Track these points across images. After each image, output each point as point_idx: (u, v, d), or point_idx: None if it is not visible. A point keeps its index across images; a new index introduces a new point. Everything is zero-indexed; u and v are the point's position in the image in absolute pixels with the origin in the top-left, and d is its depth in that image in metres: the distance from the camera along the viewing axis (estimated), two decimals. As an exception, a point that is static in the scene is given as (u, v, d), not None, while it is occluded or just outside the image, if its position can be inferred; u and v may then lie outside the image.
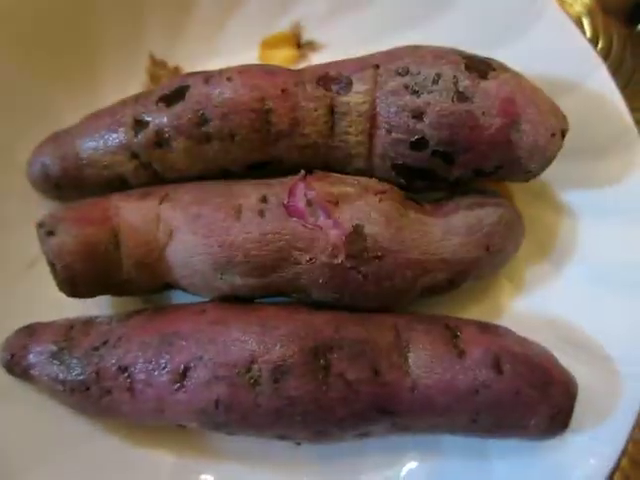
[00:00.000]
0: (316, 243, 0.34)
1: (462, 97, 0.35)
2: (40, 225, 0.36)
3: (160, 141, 0.38)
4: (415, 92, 0.35)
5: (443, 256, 0.36)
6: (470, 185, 0.40)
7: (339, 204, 0.35)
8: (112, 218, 0.36)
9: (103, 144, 0.39)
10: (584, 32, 0.51)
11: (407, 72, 0.36)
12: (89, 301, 0.42)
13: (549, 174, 0.43)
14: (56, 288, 0.43)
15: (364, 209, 0.35)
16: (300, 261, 0.35)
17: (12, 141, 0.44)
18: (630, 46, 0.52)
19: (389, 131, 0.36)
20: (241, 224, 0.35)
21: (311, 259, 0.34)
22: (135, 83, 0.48)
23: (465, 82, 0.35)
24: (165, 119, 0.37)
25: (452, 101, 0.35)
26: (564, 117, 0.37)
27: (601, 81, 0.42)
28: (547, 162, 0.37)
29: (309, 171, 0.37)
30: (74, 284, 0.36)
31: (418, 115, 0.35)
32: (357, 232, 0.34)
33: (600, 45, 0.50)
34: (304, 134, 0.37)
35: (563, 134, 0.37)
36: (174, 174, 0.39)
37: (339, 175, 0.37)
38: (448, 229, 0.37)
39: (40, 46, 0.44)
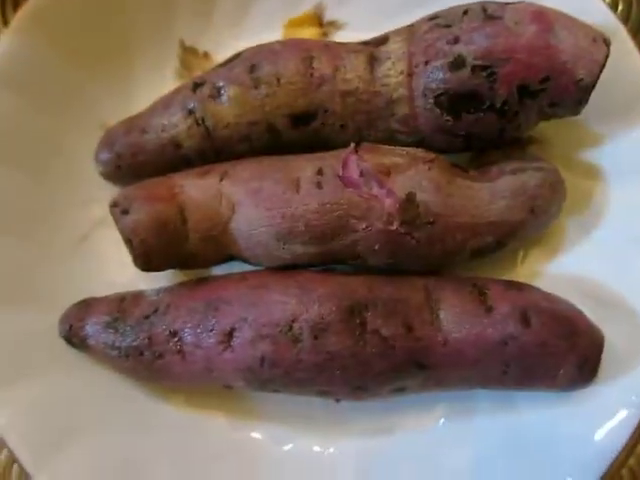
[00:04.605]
0: (372, 212, 0.36)
1: (492, 17, 0.37)
2: (114, 205, 0.39)
3: (213, 93, 0.41)
4: (447, 26, 0.38)
5: (490, 219, 0.38)
6: (513, 149, 0.41)
7: (391, 174, 0.37)
8: (178, 195, 0.39)
9: (163, 108, 0.43)
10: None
11: (437, 16, 0.39)
12: (136, 277, 0.45)
13: (575, 138, 0.45)
14: (104, 266, 0.47)
15: (415, 178, 0.37)
16: (357, 229, 0.37)
17: (56, 127, 0.47)
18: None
19: (427, 62, 0.38)
20: (300, 196, 0.37)
21: (367, 227, 0.37)
22: (168, 70, 0.50)
23: (493, 7, 0.38)
24: (220, 74, 0.42)
25: (483, 21, 0.37)
26: (601, 32, 0.38)
27: (621, 43, 0.42)
28: (596, 67, 0.37)
29: (358, 143, 0.39)
30: (148, 258, 0.39)
31: (452, 41, 0.37)
32: (410, 200, 0.36)
33: (620, 8, 0.51)
34: (346, 79, 0.40)
35: (606, 43, 0.37)
36: (223, 132, 0.42)
37: (388, 147, 0.39)
38: (494, 193, 0.38)
39: (77, 36, 0.47)
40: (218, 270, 0.43)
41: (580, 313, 0.38)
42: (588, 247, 0.44)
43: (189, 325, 0.38)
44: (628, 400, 0.39)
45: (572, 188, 0.42)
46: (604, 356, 0.37)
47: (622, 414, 0.38)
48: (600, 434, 0.38)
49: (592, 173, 0.45)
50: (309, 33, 0.51)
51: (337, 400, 0.40)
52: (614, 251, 0.43)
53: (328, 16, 0.51)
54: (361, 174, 0.37)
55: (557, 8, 0.38)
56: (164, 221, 0.38)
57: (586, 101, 0.38)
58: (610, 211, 0.44)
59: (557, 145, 0.46)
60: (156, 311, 0.39)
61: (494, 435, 0.41)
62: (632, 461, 0.45)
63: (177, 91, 0.44)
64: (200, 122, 0.42)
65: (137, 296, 0.41)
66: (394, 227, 0.36)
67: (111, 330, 0.40)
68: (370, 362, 0.36)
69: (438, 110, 0.38)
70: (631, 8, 0.50)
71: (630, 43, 0.43)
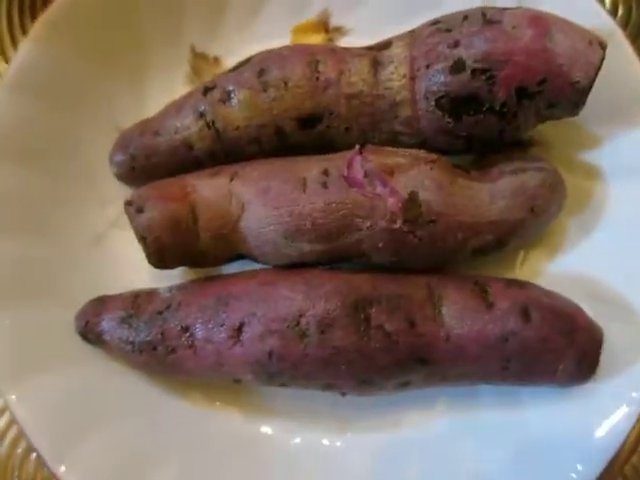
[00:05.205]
0: (375, 211, 0.38)
1: (491, 22, 0.38)
2: (129, 203, 0.41)
3: (223, 97, 0.43)
4: (448, 30, 0.39)
5: (491, 218, 0.39)
6: (514, 150, 0.42)
7: (394, 174, 0.38)
8: (190, 195, 0.41)
9: (176, 111, 0.45)
10: (603, 2, 0.52)
11: (438, 21, 0.40)
12: (149, 276, 0.46)
13: (575, 140, 0.46)
14: (118, 264, 0.48)
15: (417, 177, 0.38)
16: (362, 227, 0.38)
17: (73, 130, 0.49)
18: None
19: (428, 66, 0.39)
20: (307, 195, 0.38)
21: (371, 225, 0.38)
22: (179, 75, 0.52)
23: (492, 12, 0.39)
24: (230, 78, 0.43)
25: (482, 26, 0.38)
26: (597, 35, 0.39)
27: (619, 46, 0.44)
28: (592, 69, 0.37)
29: (362, 145, 0.40)
30: (162, 255, 0.41)
31: (452, 45, 0.38)
32: (412, 199, 0.37)
33: (620, 13, 0.52)
34: (350, 83, 0.41)
35: (602, 45, 0.38)
36: (233, 134, 0.43)
37: (391, 148, 0.40)
38: (494, 193, 0.39)
39: (92, 44, 0.49)
40: (227, 270, 0.44)
41: (580, 309, 0.39)
42: (588, 246, 0.45)
43: (200, 320, 0.39)
44: (628, 396, 0.39)
45: (572, 188, 0.43)
46: (604, 353, 0.38)
47: (622, 410, 0.39)
48: (601, 430, 0.39)
49: (592, 173, 0.46)
50: (316, 39, 0.52)
51: (343, 394, 0.41)
52: (614, 250, 0.44)
53: (334, 22, 0.53)
54: (365, 174, 0.38)
55: (555, 12, 0.39)
56: (177, 219, 0.40)
57: (583, 102, 0.39)
58: (610, 211, 0.45)
59: (558, 147, 0.47)
60: (169, 307, 0.41)
61: (498, 429, 0.42)
62: (635, 459, 0.46)
63: (189, 95, 0.46)
64: (211, 125, 0.43)
65: (150, 293, 0.43)
66: (397, 225, 0.37)
67: (125, 326, 0.41)
68: (374, 356, 0.37)
69: (439, 112, 0.39)
70: (631, 13, 0.51)
71: (628, 45, 0.44)
